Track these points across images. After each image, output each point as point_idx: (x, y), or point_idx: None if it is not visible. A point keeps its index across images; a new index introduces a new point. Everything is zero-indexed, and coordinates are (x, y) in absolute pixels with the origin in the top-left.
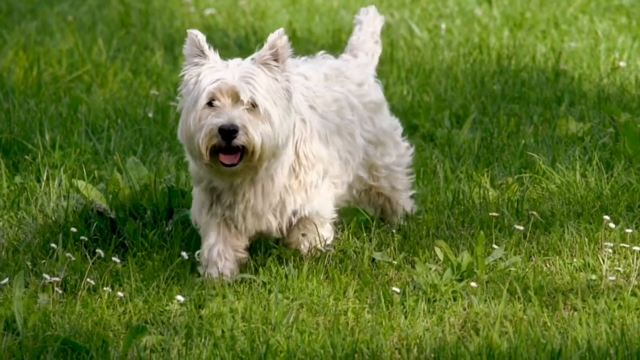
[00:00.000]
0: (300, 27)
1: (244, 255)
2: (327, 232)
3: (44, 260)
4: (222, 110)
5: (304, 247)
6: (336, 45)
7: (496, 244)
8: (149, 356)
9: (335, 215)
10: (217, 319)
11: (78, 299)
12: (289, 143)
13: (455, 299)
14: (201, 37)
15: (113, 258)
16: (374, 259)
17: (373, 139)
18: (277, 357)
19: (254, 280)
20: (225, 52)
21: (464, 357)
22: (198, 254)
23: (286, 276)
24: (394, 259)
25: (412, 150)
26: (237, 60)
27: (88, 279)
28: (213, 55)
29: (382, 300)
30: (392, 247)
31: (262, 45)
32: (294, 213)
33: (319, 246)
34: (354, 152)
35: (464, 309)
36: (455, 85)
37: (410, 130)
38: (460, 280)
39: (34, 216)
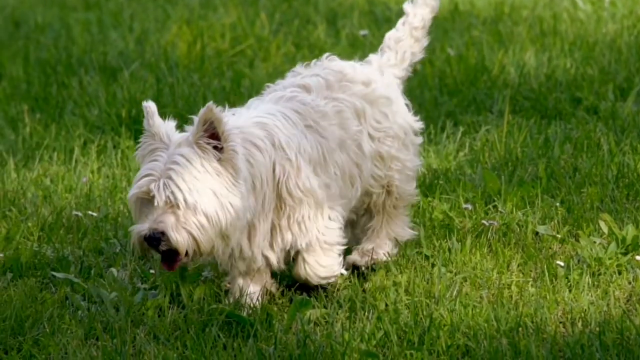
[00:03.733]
0: (462, 0)
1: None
2: (330, 260)
3: None
4: (150, 211)
5: (305, 275)
6: (498, 18)
7: None
8: (313, 329)
9: (343, 240)
10: (380, 293)
11: None
12: (247, 211)
13: (620, 273)
14: (150, 111)
15: None
16: (537, 233)
17: (389, 131)
18: (440, 331)
19: (418, 254)
20: (387, 26)
21: (629, 331)
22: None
23: (449, 250)
24: (557, 232)
25: (421, 163)
26: (177, 137)
27: None
28: (158, 132)
29: (546, 273)
30: (555, 221)
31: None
32: (290, 247)
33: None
34: (362, 162)
35: (629, 283)
36: (619, 57)
37: (573, 104)
38: (625, 254)
39: None
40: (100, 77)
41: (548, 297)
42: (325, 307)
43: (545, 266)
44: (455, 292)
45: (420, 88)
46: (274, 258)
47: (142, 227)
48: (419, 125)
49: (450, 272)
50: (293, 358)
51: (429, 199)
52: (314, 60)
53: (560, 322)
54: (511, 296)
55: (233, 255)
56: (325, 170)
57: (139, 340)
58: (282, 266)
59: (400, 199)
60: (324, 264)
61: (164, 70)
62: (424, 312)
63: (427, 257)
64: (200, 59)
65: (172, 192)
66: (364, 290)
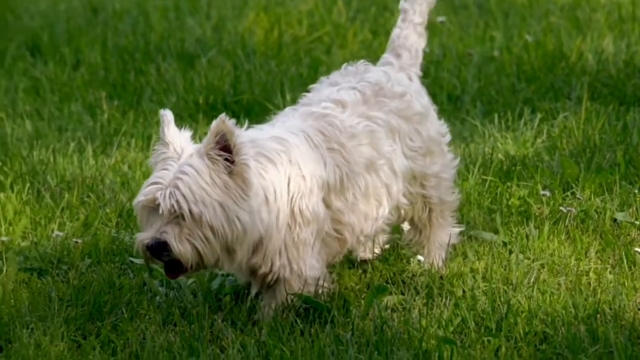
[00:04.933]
0: None
1: None
2: (296, 288)
3: None
4: (155, 220)
5: (271, 308)
6: (576, 4)
7: None
8: (390, 316)
9: (319, 276)
10: (458, 279)
11: None
12: (257, 227)
13: None
14: (166, 120)
15: None
16: (615, 219)
17: (421, 150)
18: (518, 317)
19: (495, 241)
20: (464, 13)
21: None
22: None
23: (527, 236)
24: (636, 219)
25: (456, 162)
26: (190, 148)
27: None
28: (172, 141)
29: (625, 260)
30: (634, 207)
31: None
32: (278, 269)
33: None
34: (393, 182)
35: None
36: None
37: None
38: None
39: None
40: (178, 64)
41: (626, 283)
42: (402, 294)
43: (623, 253)
44: (532, 279)
45: (498, 75)
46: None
47: (145, 236)
48: (445, 128)
49: (528, 258)
50: (370, 344)
51: (507, 185)
52: (344, 65)
53: (639, 309)
54: (589, 283)
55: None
56: (341, 196)
57: (217, 326)
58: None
59: (444, 210)
60: (301, 290)
61: (241, 57)
62: (502, 299)
63: (504, 244)
64: (277, 45)
65: (177, 202)
66: (441, 277)
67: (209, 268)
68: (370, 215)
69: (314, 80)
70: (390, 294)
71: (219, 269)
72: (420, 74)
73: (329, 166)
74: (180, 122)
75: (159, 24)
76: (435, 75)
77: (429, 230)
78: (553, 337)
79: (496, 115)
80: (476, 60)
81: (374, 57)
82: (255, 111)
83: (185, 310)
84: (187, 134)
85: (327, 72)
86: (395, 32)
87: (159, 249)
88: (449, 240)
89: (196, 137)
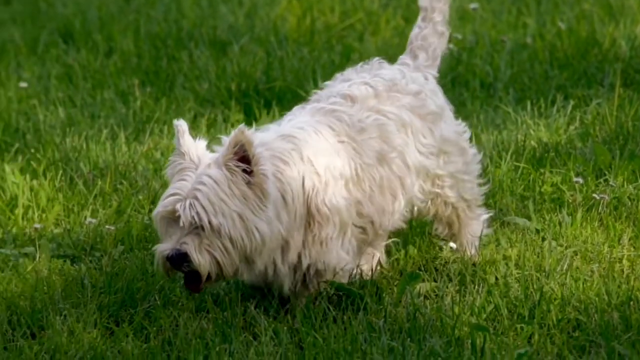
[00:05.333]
0: None
1: None
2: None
3: None
4: (174, 231)
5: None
6: None
7: None
8: (423, 303)
9: (352, 267)
10: (490, 266)
11: None
12: (275, 237)
13: None
14: (181, 130)
15: None
16: None
17: (434, 149)
18: (551, 305)
19: (527, 228)
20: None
21: None
22: None
23: (560, 223)
24: None
25: (479, 157)
26: (207, 157)
27: None
28: (188, 151)
29: None
30: None
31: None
32: (309, 267)
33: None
34: (406, 176)
35: None
36: None
37: None
38: None
39: None
40: (210, 51)
41: None
42: (435, 281)
43: None
44: (565, 266)
45: (531, 61)
46: (288, 281)
47: (165, 247)
48: (463, 127)
49: (561, 245)
50: (403, 331)
51: (539, 172)
52: (360, 64)
53: None
54: (622, 270)
55: (267, 274)
56: (358, 186)
57: (249, 313)
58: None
59: (470, 206)
60: (322, 285)
61: (273, 44)
62: (535, 286)
63: (537, 231)
64: (309, 32)
65: (197, 213)
66: (474, 264)
67: (228, 278)
68: (387, 209)
69: (345, 67)
70: (423, 281)
71: (239, 279)
72: (437, 75)
73: (342, 158)
74: (212, 109)
75: (191, 10)
76: (468, 62)
77: (458, 225)
78: (586, 325)
79: (529, 102)
80: (509, 47)
81: (406, 45)
82: (288, 98)
83: (218, 297)
84: (202, 143)
85: (360, 59)
86: (414, 31)
87: (179, 260)
88: (482, 231)
89: (228, 125)
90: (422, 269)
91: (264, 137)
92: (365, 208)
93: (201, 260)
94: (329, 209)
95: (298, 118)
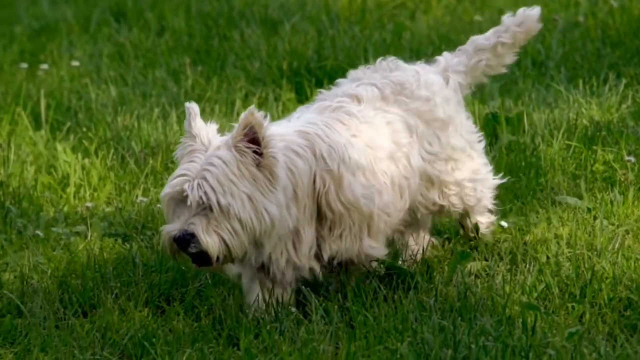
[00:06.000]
0: None
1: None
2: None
3: None
4: (182, 212)
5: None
6: None
7: None
8: (474, 282)
9: (385, 253)
10: (541, 245)
11: None
12: (285, 220)
13: None
14: (193, 112)
15: None
16: None
17: (441, 155)
18: (602, 284)
19: (579, 206)
20: None
21: None
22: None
23: (611, 202)
24: None
25: (490, 167)
26: (217, 140)
27: None
28: (199, 134)
29: None
30: None
31: None
32: (331, 259)
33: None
34: (411, 177)
35: None
36: None
37: None
38: None
39: None
40: (262, 30)
41: None
42: (486, 260)
43: None
44: (617, 245)
45: (583, 40)
46: (317, 268)
47: (172, 228)
48: (477, 137)
49: (612, 224)
50: (453, 310)
51: (591, 151)
52: (379, 59)
53: None
54: None
55: (279, 264)
56: (374, 177)
57: (300, 292)
58: (322, 277)
59: (479, 211)
60: (367, 268)
61: (324, 22)
62: (586, 265)
63: (588, 210)
64: (361, 11)
65: (206, 193)
66: (524, 243)
67: (236, 261)
68: (396, 205)
69: (397, 45)
70: (474, 259)
71: (247, 263)
72: (471, 81)
73: (357, 149)
74: (264, 87)
75: None
76: None
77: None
78: (637, 303)
79: (581, 81)
80: (561, 25)
81: (459, 22)
82: (339, 77)
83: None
84: (213, 126)
85: (411, 38)
86: (475, 37)
87: (186, 241)
88: (488, 224)
89: (279, 104)
90: (473, 247)
91: (278, 129)
92: (384, 198)
93: (209, 241)
94: (343, 205)
95: (306, 115)
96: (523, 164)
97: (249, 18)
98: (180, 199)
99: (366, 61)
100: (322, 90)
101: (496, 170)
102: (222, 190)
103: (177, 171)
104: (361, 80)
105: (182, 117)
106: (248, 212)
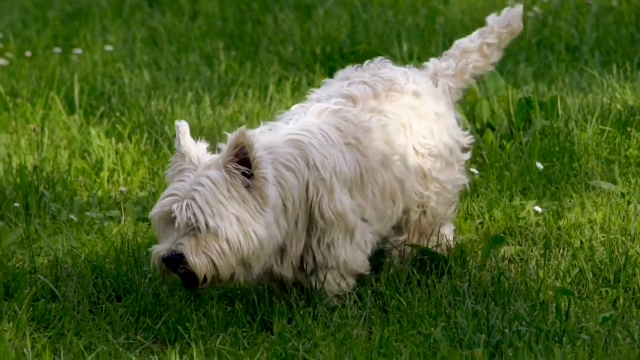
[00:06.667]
0: None
1: None
2: (345, 285)
3: None
4: (172, 232)
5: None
6: None
7: None
8: (507, 267)
9: (367, 269)
10: (575, 230)
11: None
12: (273, 241)
13: None
14: (182, 130)
15: (471, 169)
16: None
17: (434, 150)
18: (636, 269)
19: (613, 191)
20: None
21: None
22: None
23: None
24: None
25: (465, 182)
26: (207, 159)
27: None
28: (189, 152)
29: None
30: None
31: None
32: (312, 272)
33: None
34: (407, 178)
35: None
36: None
37: None
38: None
39: None
40: (295, 15)
41: None
42: (519, 245)
43: None
44: None
45: (617, 25)
46: (302, 279)
47: (161, 248)
48: (468, 140)
49: None
50: (487, 295)
51: (625, 135)
52: (366, 62)
53: None
54: None
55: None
56: (362, 192)
57: None
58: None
59: (433, 222)
60: (342, 286)
61: (358, 7)
62: (620, 250)
63: (623, 195)
64: None
65: (194, 214)
66: (558, 228)
67: (225, 282)
68: (386, 214)
69: (431, 30)
70: (508, 245)
71: (236, 284)
72: (461, 86)
73: (349, 162)
74: (297, 72)
75: None
76: (553, 25)
77: (412, 236)
78: None
79: (615, 66)
80: (595, 10)
81: (492, 7)
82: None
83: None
84: (203, 145)
85: (445, 23)
86: (460, 41)
87: (175, 262)
88: (453, 233)
89: (313, 86)
90: (507, 232)
91: (269, 140)
92: (367, 213)
93: (197, 262)
94: (334, 215)
95: (304, 119)
96: (557, 149)
97: (282, 3)
98: (169, 219)
99: (399, 46)
100: (314, 89)
101: (530, 156)
102: (210, 212)
103: (167, 191)
104: (351, 80)
105: (215, 102)
106: (236, 233)
